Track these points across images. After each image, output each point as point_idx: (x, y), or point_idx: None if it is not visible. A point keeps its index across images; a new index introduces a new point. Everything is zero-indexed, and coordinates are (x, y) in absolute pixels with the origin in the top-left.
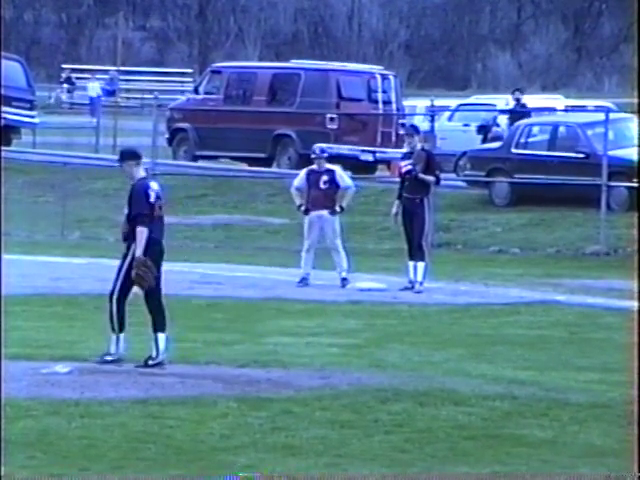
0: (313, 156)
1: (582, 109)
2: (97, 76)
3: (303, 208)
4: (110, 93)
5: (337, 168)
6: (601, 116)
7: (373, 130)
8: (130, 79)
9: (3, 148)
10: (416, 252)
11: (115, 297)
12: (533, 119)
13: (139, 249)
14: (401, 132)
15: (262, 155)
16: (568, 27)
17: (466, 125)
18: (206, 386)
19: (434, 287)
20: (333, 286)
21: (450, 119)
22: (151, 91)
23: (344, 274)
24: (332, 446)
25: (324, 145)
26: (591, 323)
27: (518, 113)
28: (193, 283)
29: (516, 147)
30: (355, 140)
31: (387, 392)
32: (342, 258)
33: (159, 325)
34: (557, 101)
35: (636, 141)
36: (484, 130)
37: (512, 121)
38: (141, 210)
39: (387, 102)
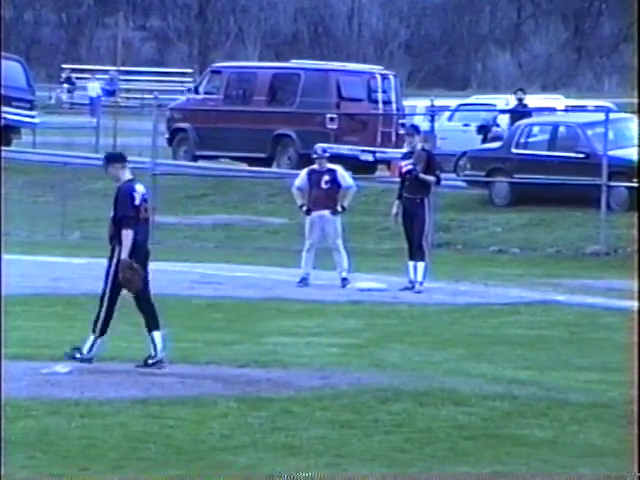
0: (315, 156)
1: (582, 109)
2: (97, 76)
3: (305, 208)
4: (110, 93)
5: (338, 168)
6: (601, 116)
7: (373, 130)
8: (130, 79)
9: (3, 148)
10: (416, 252)
11: (106, 300)
12: (533, 119)
13: (124, 252)
14: (401, 132)
15: (262, 155)
16: (568, 27)
17: (466, 125)
18: (206, 386)
19: (434, 287)
20: (333, 286)
21: (450, 119)
22: (151, 91)
23: (344, 274)
24: (332, 446)
25: (325, 145)
26: (591, 323)
27: (520, 113)
28: (193, 283)
29: (516, 147)
30: (355, 140)
31: (387, 392)
32: (343, 258)
33: (152, 324)
34: (557, 101)
35: (636, 141)
36: (484, 130)
37: (513, 121)
38: (126, 213)
39: (387, 102)
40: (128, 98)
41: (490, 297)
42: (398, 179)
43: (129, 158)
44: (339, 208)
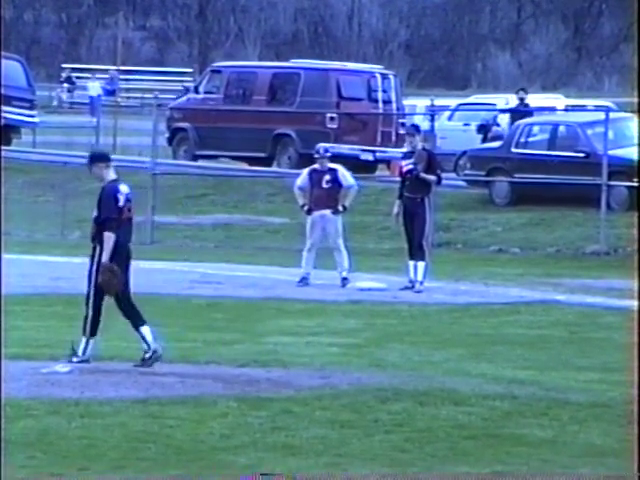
0: (316, 156)
1: (582, 109)
2: (97, 76)
3: (306, 208)
4: (110, 93)
5: (340, 167)
6: (601, 115)
7: (373, 130)
8: (130, 79)
9: (3, 148)
10: (416, 252)
11: (92, 302)
12: (533, 118)
13: (105, 255)
14: (401, 131)
15: (262, 154)
16: (568, 27)
17: (466, 125)
18: (206, 386)
19: (434, 287)
20: (333, 286)
21: (450, 119)
22: (151, 91)
23: (345, 274)
24: (332, 446)
25: (326, 145)
26: (591, 323)
27: (521, 112)
28: (193, 283)
29: (516, 147)
30: (355, 140)
31: (387, 392)
32: (344, 258)
33: (138, 322)
34: (557, 101)
35: (636, 141)
36: (484, 129)
37: (513, 120)
38: (109, 214)
39: (387, 102)
40: (128, 98)
41: (490, 297)
42: (398, 179)
43: (129, 158)
44: (340, 208)
